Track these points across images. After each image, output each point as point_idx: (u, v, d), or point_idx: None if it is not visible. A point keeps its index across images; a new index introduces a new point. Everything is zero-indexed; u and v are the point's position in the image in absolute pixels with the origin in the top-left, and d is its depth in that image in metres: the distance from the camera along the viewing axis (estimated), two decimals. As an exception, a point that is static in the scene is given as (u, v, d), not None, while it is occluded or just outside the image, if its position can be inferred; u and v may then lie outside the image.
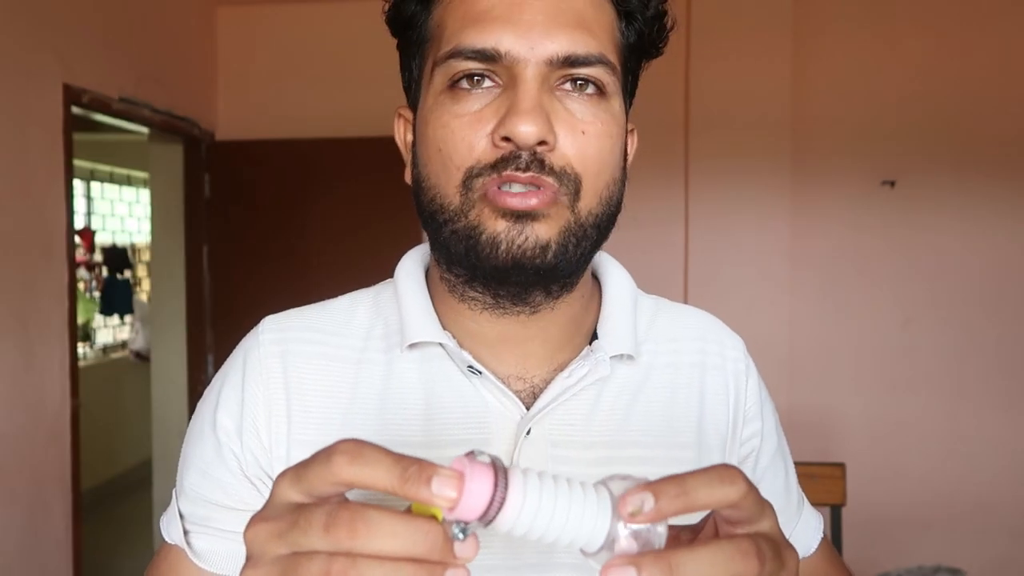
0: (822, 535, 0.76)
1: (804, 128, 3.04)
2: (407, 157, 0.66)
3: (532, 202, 0.56)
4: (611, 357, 0.64)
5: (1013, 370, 3.01)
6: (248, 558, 0.38)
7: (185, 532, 0.64)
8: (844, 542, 1.81)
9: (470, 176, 0.57)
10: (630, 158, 0.66)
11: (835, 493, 1.36)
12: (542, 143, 0.55)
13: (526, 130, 0.54)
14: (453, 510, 0.35)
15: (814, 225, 3.07)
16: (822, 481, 1.36)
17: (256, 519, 0.39)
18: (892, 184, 3.03)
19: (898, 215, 3.04)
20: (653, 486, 0.37)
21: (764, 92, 2.99)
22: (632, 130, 0.67)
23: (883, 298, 3.06)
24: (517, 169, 0.56)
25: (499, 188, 0.56)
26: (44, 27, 2.32)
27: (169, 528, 0.66)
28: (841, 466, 1.38)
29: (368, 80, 3.01)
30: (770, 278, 3.04)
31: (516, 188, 0.56)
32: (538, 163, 0.56)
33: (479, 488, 0.35)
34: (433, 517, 0.36)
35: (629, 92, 0.65)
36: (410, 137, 0.65)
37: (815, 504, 0.81)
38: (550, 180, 0.56)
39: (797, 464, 0.78)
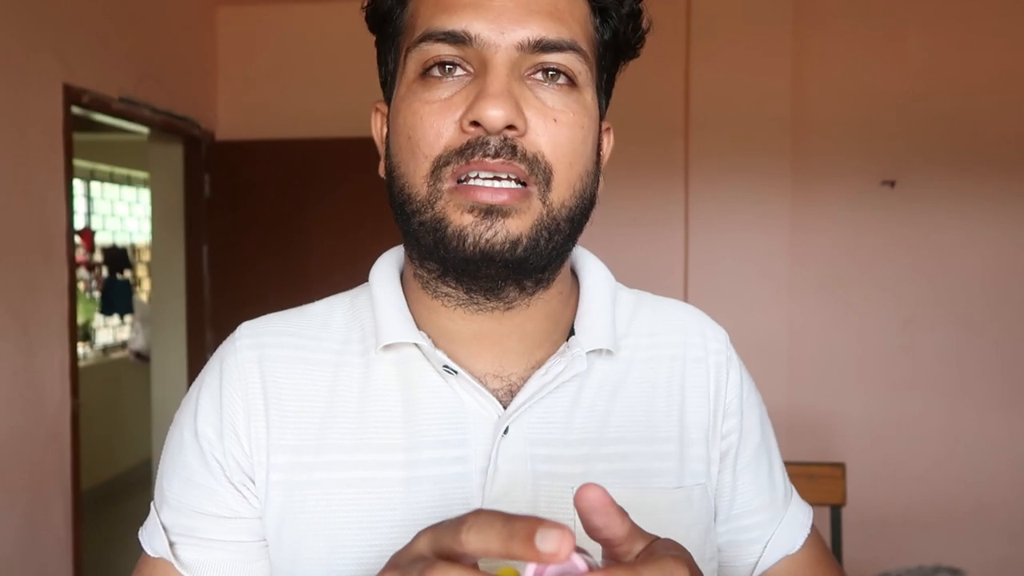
0: (809, 531, 0.74)
1: (804, 127, 3.04)
2: (381, 150, 0.66)
3: (503, 197, 0.55)
4: (588, 352, 0.64)
5: (1013, 370, 3.01)
6: None
7: (171, 544, 0.63)
8: (844, 542, 1.81)
9: (438, 165, 0.56)
10: (605, 156, 0.66)
11: (835, 493, 1.36)
12: (511, 127, 0.55)
13: (494, 114, 0.54)
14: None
15: (814, 224, 3.07)
16: (822, 481, 1.35)
17: (390, 564, 0.40)
18: (892, 184, 3.03)
19: (898, 215, 3.04)
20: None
21: (764, 91, 2.99)
22: (608, 128, 0.67)
23: (883, 298, 3.06)
24: (486, 156, 0.55)
25: (468, 179, 0.56)
26: (44, 27, 2.32)
27: (152, 541, 0.64)
28: (841, 466, 1.38)
29: (368, 80, 2.96)
30: (770, 277, 3.04)
31: (486, 177, 0.56)
32: (509, 148, 0.55)
33: None
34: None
35: (605, 91, 0.64)
36: (385, 130, 0.65)
37: (815, 504, 0.80)
38: (522, 167, 0.56)
39: (797, 464, 0.78)
